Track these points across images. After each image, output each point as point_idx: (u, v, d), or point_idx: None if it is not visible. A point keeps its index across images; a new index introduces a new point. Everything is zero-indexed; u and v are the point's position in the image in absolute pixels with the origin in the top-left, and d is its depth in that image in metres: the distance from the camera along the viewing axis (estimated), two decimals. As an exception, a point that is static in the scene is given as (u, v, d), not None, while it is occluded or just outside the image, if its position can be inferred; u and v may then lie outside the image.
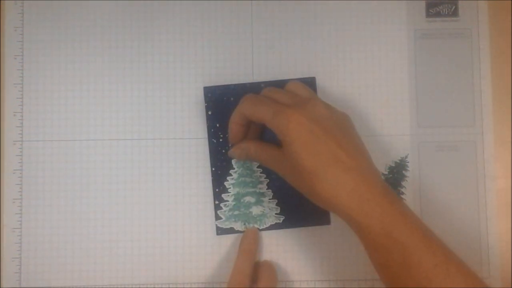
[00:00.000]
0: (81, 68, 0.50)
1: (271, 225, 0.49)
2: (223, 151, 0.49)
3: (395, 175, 0.49)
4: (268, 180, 0.49)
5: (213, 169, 0.49)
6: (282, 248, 0.49)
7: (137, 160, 0.50)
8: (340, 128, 0.41)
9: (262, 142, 0.46)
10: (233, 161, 0.49)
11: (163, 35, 0.51)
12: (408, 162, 0.50)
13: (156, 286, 0.49)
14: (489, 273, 0.49)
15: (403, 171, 0.50)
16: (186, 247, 0.49)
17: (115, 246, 0.49)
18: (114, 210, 0.49)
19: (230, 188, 0.49)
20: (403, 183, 0.49)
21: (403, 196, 0.49)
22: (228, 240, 0.49)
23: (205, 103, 0.49)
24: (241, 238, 0.48)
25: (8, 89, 0.50)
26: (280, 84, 0.49)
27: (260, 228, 0.49)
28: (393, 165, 0.49)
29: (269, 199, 0.49)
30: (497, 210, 0.50)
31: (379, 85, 0.50)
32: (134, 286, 0.49)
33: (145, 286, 0.49)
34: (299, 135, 0.40)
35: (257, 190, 0.49)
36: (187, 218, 0.49)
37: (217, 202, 0.49)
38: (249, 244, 0.48)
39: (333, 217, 0.49)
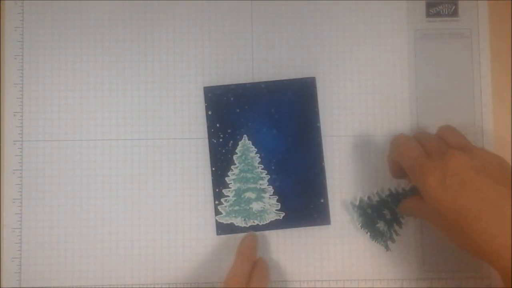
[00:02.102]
0: (81, 68, 0.50)
1: (271, 221, 0.49)
2: (223, 151, 0.49)
3: (392, 201, 0.49)
4: (269, 177, 0.49)
5: (213, 169, 0.49)
6: (282, 248, 0.49)
7: (137, 160, 0.50)
8: (485, 174, 0.39)
9: (418, 200, 0.44)
10: (234, 157, 0.49)
11: (163, 35, 0.51)
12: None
13: (156, 286, 0.49)
14: (489, 273, 0.49)
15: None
16: (186, 247, 0.49)
17: (115, 246, 0.49)
18: (114, 210, 0.49)
19: (231, 183, 0.49)
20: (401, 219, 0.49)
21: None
22: (228, 240, 0.49)
23: (205, 103, 0.49)
24: (240, 241, 0.48)
25: (8, 89, 0.50)
26: (279, 84, 0.49)
27: (261, 224, 0.49)
28: (395, 192, 0.49)
29: (270, 195, 0.49)
30: (497, 210, 0.49)
31: (379, 85, 0.50)
32: (134, 286, 0.49)
33: (145, 286, 0.49)
34: (435, 192, 0.39)
35: (258, 186, 0.49)
36: (187, 218, 0.49)
37: (216, 202, 0.49)
38: (247, 248, 0.47)
39: (333, 217, 0.49)
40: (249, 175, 0.49)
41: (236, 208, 0.49)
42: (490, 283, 0.49)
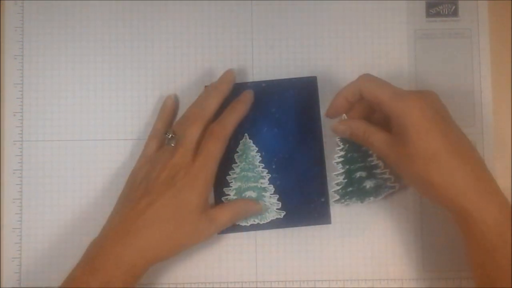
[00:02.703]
0: (81, 68, 0.50)
1: (271, 220, 0.49)
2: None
3: (350, 142, 0.47)
4: (270, 176, 0.49)
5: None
6: (282, 248, 0.49)
7: (137, 160, 0.50)
8: (451, 119, 0.42)
9: (372, 124, 0.44)
10: (235, 156, 0.49)
11: (163, 35, 0.51)
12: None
13: (156, 286, 0.49)
14: (489, 273, 0.49)
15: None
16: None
17: (115, 246, 0.49)
18: (114, 210, 0.49)
19: (231, 182, 0.49)
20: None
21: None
22: (229, 239, 0.49)
23: (205, 102, 0.49)
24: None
25: (8, 89, 0.50)
26: (280, 84, 0.49)
27: (261, 222, 0.49)
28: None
29: (271, 194, 0.49)
30: (497, 210, 0.49)
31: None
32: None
33: (145, 286, 0.49)
34: (420, 120, 0.40)
35: (259, 185, 0.49)
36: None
37: (217, 201, 0.49)
38: (220, 83, 0.48)
39: (333, 216, 0.49)
40: (250, 174, 0.48)
41: None
42: (490, 283, 0.49)
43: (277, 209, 0.49)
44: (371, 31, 0.51)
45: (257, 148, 0.49)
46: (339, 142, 0.47)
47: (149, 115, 0.50)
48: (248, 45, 0.51)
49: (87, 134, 0.50)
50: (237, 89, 0.49)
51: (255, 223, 0.49)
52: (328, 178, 0.49)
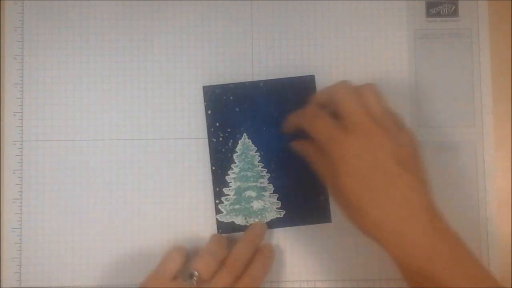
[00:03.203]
0: (81, 68, 0.50)
1: (271, 220, 0.49)
2: (223, 150, 0.49)
3: None
4: (269, 175, 0.49)
5: (213, 168, 0.49)
6: (282, 248, 0.49)
7: (137, 160, 0.50)
8: (396, 160, 0.39)
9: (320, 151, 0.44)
10: (234, 156, 0.49)
11: (163, 35, 0.51)
12: None
13: (156, 286, 0.49)
14: (489, 273, 0.49)
15: None
16: (186, 247, 0.49)
17: (115, 246, 0.49)
18: (114, 210, 0.49)
19: (231, 182, 0.49)
20: None
21: None
22: (229, 239, 0.49)
23: (205, 102, 0.49)
24: (248, 227, 0.48)
25: (8, 89, 0.50)
26: (279, 83, 0.49)
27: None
28: None
29: (270, 193, 0.49)
30: (497, 210, 0.50)
31: (379, 85, 0.50)
32: (134, 286, 0.49)
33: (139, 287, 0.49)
34: (348, 168, 0.39)
35: (258, 185, 0.49)
36: (187, 218, 0.49)
37: (217, 201, 0.49)
38: (252, 235, 0.47)
39: (333, 216, 0.49)
40: (249, 173, 0.49)
41: (237, 206, 0.49)
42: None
43: (276, 208, 0.49)
44: (371, 31, 0.51)
45: (256, 148, 0.49)
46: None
47: (149, 115, 0.50)
48: (248, 44, 0.51)
49: (87, 134, 0.50)
50: (236, 88, 0.49)
51: (255, 222, 0.49)
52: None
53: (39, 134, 0.50)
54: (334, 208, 0.49)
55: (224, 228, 0.49)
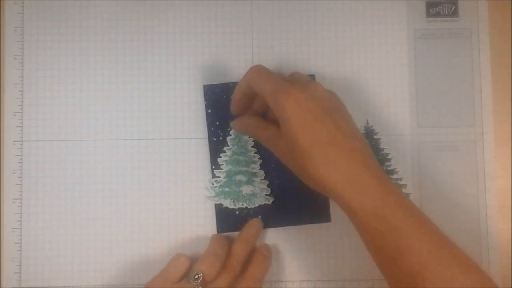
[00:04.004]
0: (81, 68, 0.50)
1: (271, 219, 0.49)
2: (224, 149, 0.49)
3: (370, 145, 0.49)
4: (261, 161, 0.49)
5: (213, 167, 0.49)
6: (282, 248, 0.49)
7: (137, 160, 0.50)
8: (338, 110, 0.41)
9: (263, 120, 0.46)
10: (228, 139, 0.49)
11: (163, 35, 0.51)
12: (372, 127, 0.50)
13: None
14: (489, 273, 0.49)
15: (374, 136, 0.50)
16: (186, 247, 0.49)
17: (115, 246, 0.49)
18: (114, 210, 0.49)
19: (222, 164, 0.49)
20: (382, 145, 0.49)
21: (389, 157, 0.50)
22: (227, 238, 0.49)
23: (205, 101, 0.49)
24: (244, 226, 0.48)
25: (8, 89, 0.50)
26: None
27: (249, 206, 0.49)
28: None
29: (261, 179, 0.49)
30: (497, 210, 0.50)
31: (379, 85, 0.50)
32: (134, 286, 0.49)
33: (143, 286, 0.49)
34: (296, 113, 0.40)
35: (249, 170, 0.49)
36: (187, 218, 0.49)
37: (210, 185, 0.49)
38: (249, 234, 0.47)
39: (333, 215, 0.49)
40: (241, 158, 0.49)
41: (226, 189, 0.49)
42: (491, 283, 0.49)
43: (266, 195, 0.49)
44: (371, 31, 0.51)
45: None
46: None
47: (149, 115, 0.50)
48: (248, 44, 0.51)
49: (87, 134, 0.50)
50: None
51: (243, 206, 0.49)
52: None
53: (39, 134, 0.50)
54: (334, 208, 0.49)
55: (224, 227, 0.49)
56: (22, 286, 0.49)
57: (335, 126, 0.40)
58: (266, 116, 0.47)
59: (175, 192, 0.50)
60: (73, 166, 0.50)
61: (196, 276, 0.42)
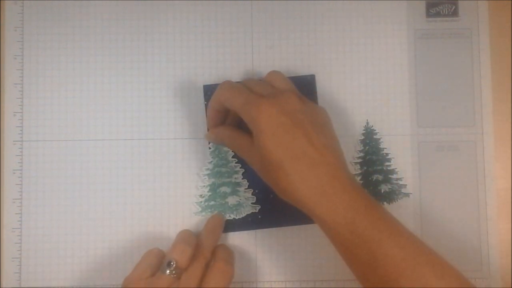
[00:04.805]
0: (81, 68, 0.50)
1: (271, 219, 0.49)
2: (223, 149, 0.49)
3: (370, 145, 0.49)
4: (243, 170, 0.49)
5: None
6: (282, 248, 0.49)
7: (137, 160, 0.50)
8: (311, 122, 0.41)
9: (237, 130, 0.46)
10: (208, 152, 0.49)
11: (163, 35, 0.51)
12: (372, 127, 0.50)
13: (156, 286, 0.49)
14: (489, 273, 0.49)
15: (374, 136, 0.50)
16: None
17: (115, 246, 0.49)
18: (114, 210, 0.49)
19: (205, 178, 0.49)
20: (382, 145, 0.50)
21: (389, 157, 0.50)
22: (229, 239, 0.49)
23: (205, 101, 0.49)
24: (207, 220, 0.48)
25: (8, 89, 0.50)
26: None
27: (237, 217, 0.49)
28: (363, 137, 0.50)
29: (245, 189, 0.49)
30: (497, 210, 0.50)
31: (379, 85, 0.50)
32: (134, 286, 0.49)
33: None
34: (267, 126, 0.39)
35: (233, 180, 0.49)
36: (187, 218, 0.49)
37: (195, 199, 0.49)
38: (214, 225, 0.48)
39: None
40: (223, 169, 0.49)
41: (212, 203, 0.49)
42: (490, 283, 0.49)
43: (252, 203, 0.49)
44: (371, 31, 0.51)
45: None
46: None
47: (149, 115, 0.50)
48: (248, 45, 0.51)
49: (87, 134, 0.50)
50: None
51: (231, 218, 0.49)
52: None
53: (39, 134, 0.50)
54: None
55: (224, 227, 0.49)
56: (22, 286, 0.49)
57: (306, 139, 0.39)
58: (241, 125, 0.46)
59: (175, 192, 0.50)
60: (73, 166, 0.50)
61: (171, 263, 0.42)
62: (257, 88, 0.43)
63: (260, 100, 0.41)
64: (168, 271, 0.42)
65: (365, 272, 0.38)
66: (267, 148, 0.39)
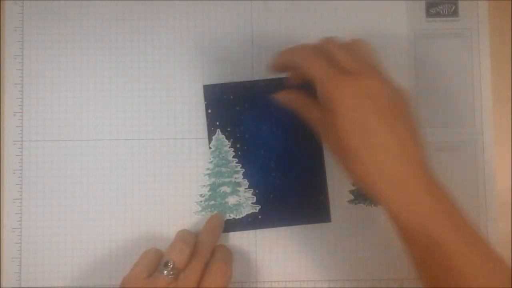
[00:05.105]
0: (81, 68, 0.50)
1: (271, 219, 0.49)
2: (224, 149, 0.49)
3: None
4: (243, 170, 0.49)
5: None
6: (282, 248, 0.49)
7: (137, 160, 0.50)
8: (394, 108, 0.37)
9: (310, 99, 0.43)
10: (209, 152, 0.49)
11: (163, 35, 0.51)
12: None
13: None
14: (489, 273, 0.49)
15: None
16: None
17: (115, 246, 0.49)
18: (114, 210, 0.49)
19: (205, 178, 0.49)
20: None
21: None
22: (229, 239, 0.49)
23: (205, 101, 0.49)
24: (207, 220, 0.48)
25: (8, 89, 0.50)
26: (279, 82, 0.49)
27: (237, 217, 0.49)
28: None
29: (245, 188, 0.49)
30: (497, 210, 0.50)
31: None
32: (134, 286, 0.49)
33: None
34: (347, 110, 0.37)
35: (233, 180, 0.49)
36: (187, 218, 0.49)
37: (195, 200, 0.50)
38: (213, 225, 0.47)
39: (333, 216, 0.49)
40: (223, 169, 0.49)
41: (212, 202, 0.49)
42: (491, 283, 0.49)
43: (252, 203, 0.49)
44: (371, 31, 0.51)
45: (230, 143, 0.49)
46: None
47: (149, 115, 0.50)
48: (248, 44, 0.51)
49: (87, 134, 0.50)
50: (237, 87, 0.49)
51: (231, 218, 0.49)
52: (326, 177, 0.49)
53: (39, 134, 0.50)
54: (334, 207, 0.49)
55: (224, 227, 0.49)
56: (22, 286, 0.49)
57: (388, 129, 0.36)
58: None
59: (175, 192, 0.50)
60: (73, 166, 0.50)
61: (168, 264, 0.41)
62: (340, 57, 0.39)
63: (342, 79, 0.37)
64: (165, 272, 0.41)
65: (434, 277, 0.36)
66: (344, 133, 0.37)
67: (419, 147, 0.38)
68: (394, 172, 0.36)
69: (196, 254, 0.43)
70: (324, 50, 0.40)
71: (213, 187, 0.49)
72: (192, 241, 0.44)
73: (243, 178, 0.49)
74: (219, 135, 0.49)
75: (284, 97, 0.46)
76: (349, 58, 0.39)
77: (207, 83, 0.50)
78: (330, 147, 0.40)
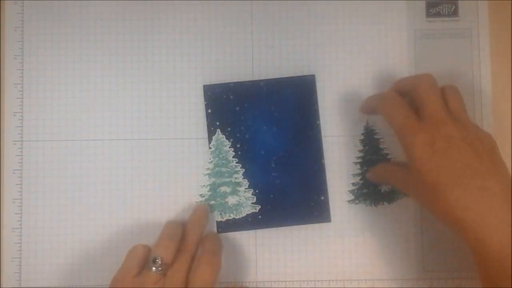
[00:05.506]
0: (81, 68, 0.50)
1: (271, 219, 0.49)
2: (224, 149, 0.49)
3: (370, 145, 0.50)
4: (243, 170, 0.49)
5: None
6: (282, 248, 0.49)
7: (137, 160, 0.50)
8: (472, 146, 0.40)
9: (391, 165, 0.47)
10: (209, 152, 0.49)
11: (163, 35, 0.51)
12: (372, 127, 0.50)
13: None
14: (489, 273, 0.49)
15: (374, 136, 0.50)
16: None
17: (115, 246, 0.49)
18: (114, 210, 0.49)
19: (205, 178, 0.49)
20: (382, 145, 0.50)
21: (389, 158, 0.50)
22: (229, 239, 0.49)
23: (205, 101, 0.49)
24: (191, 211, 0.48)
25: (8, 89, 0.50)
26: (279, 82, 0.49)
27: (237, 217, 0.49)
28: (363, 137, 0.50)
29: (245, 188, 0.49)
30: (497, 210, 0.49)
31: (379, 85, 0.50)
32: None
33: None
34: (423, 153, 0.40)
35: (233, 180, 0.49)
36: (188, 218, 0.49)
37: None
38: (198, 216, 0.47)
39: (333, 216, 0.49)
40: (223, 169, 0.49)
41: (212, 202, 0.49)
42: (491, 283, 0.49)
43: (252, 203, 0.49)
44: (371, 31, 0.51)
45: (230, 143, 0.49)
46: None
47: (149, 115, 0.50)
48: (248, 44, 0.51)
49: (87, 134, 0.50)
50: (237, 87, 0.49)
51: (231, 218, 0.49)
52: (326, 177, 0.49)
53: (39, 134, 0.50)
54: (334, 207, 0.49)
55: (224, 227, 0.49)
56: (22, 286, 0.49)
57: (464, 163, 0.39)
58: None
59: (175, 192, 0.50)
60: (73, 166, 0.50)
61: (156, 260, 0.42)
62: (425, 107, 0.42)
63: (417, 128, 0.41)
64: (154, 268, 0.42)
65: None
66: (422, 173, 0.39)
67: (503, 181, 0.39)
68: (477, 213, 0.38)
69: (182, 248, 0.44)
70: (411, 93, 0.44)
71: (213, 187, 0.49)
72: (178, 235, 0.45)
73: (243, 178, 0.49)
74: (219, 135, 0.49)
75: (373, 175, 0.49)
76: (435, 104, 0.42)
77: (207, 83, 0.50)
78: (414, 195, 0.44)
